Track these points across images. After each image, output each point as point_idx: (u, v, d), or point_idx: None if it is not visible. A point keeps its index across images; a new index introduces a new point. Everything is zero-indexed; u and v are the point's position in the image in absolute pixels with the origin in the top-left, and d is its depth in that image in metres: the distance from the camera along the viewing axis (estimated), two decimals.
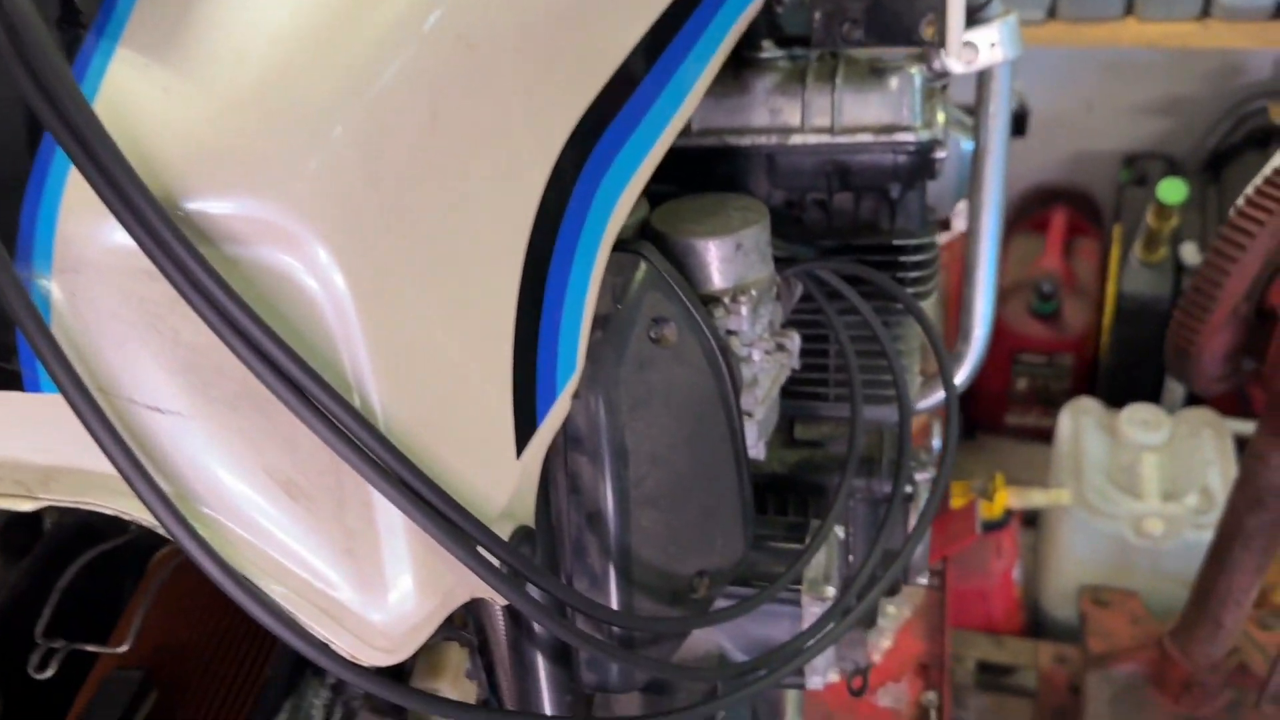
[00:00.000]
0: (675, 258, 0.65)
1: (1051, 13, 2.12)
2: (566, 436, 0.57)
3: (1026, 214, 2.62)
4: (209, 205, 0.37)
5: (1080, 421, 2.14)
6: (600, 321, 0.57)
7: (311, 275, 0.39)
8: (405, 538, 0.43)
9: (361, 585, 0.42)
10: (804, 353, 0.82)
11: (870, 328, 0.79)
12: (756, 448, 0.71)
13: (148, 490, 0.37)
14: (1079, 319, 2.44)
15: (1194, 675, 1.73)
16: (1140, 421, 2.09)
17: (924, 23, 0.68)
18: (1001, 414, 2.54)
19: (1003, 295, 2.49)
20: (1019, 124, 2.37)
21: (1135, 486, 2.03)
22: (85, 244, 0.37)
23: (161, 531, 0.38)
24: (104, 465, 0.39)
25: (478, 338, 0.47)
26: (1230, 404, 2.16)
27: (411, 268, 0.43)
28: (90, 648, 0.52)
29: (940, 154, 0.74)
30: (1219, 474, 2.00)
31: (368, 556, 0.42)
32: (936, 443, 1.72)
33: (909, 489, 0.84)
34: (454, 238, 0.45)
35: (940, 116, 0.75)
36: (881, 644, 1.51)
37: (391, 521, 0.42)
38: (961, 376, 0.97)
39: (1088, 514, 2.00)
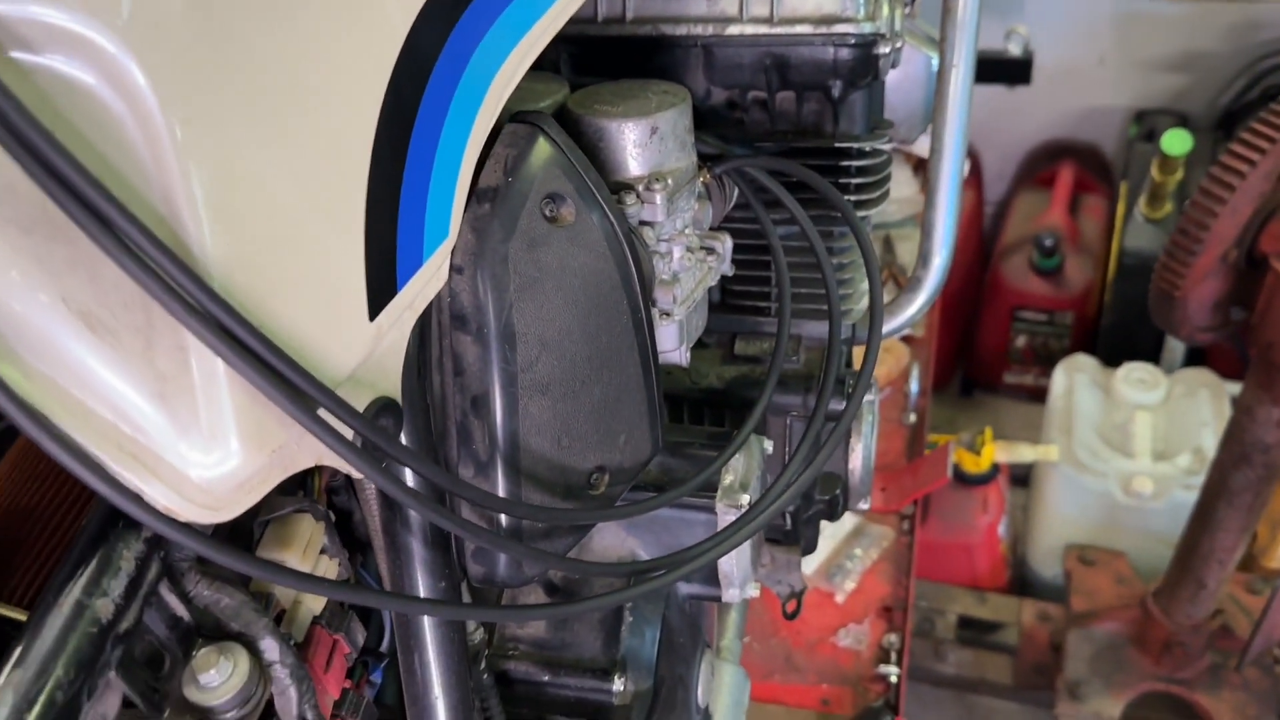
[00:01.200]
0: (588, 140, 0.62)
1: None
2: (451, 315, 0.55)
3: (1033, 170, 2.56)
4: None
5: (1074, 378, 2.10)
6: (488, 194, 0.54)
7: (118, 94, 0.37)
8: (226, 385, 0.40)
9: (175, 433, 0.39)
10: (745, 264, 0.79)
11: (807, 237, 0.75)
12: (679, 352, 0.68)
13: None
14: (1081, 276, 2.38)
15: (1175, 636, 1.70)
16: (1136, 380, 2.04)
17: None
18: (1000, 372, 2.50)
19: (1005, 251, 2.44)
20: (1023, 70, 2.31)
21: (1127, 445, 1.99)
22: None
23: None
24: None
25: (321, 184, 0.44)
26: (1232, 365, 2.11)
27: (239, 97, 0.40)
28: None
29: (883, 49, 0.70)
30: (1214, 435, 1.96)
31: (182, 402, 0.39)
32: (915, 386, 1.69)
33: (841, 406, 0.81)
34: (294, 69, 0.42)
35: (885, 10, 0.71)
36: (846, 585, 1.48)
37: (209, 367, 0.39)
38: (917, 305, 0.93)
39: (1076, 471, 1.96)
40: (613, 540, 0.70)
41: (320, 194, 0.43)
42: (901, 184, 2.11)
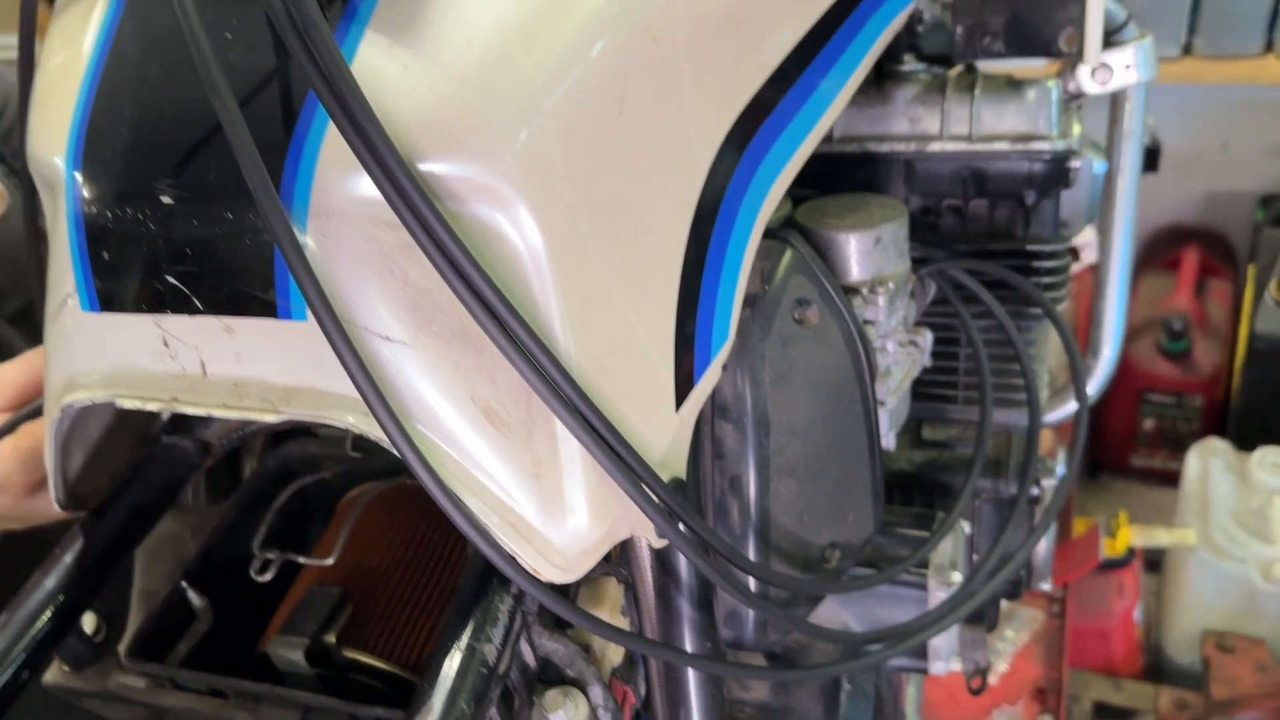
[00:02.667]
0: (818, 249, 0.70)
1: (1187, 49, 2.10)
2: (714, 405, 0.62)
3: (1158, 253, 2.58)
4: (437, 166, 0.44)
5: (1208, 462, 2.09)
6: (749, 300, 0.62)
7: (516, 231, 0.46)
8: (582, 468, 0.48)
9: (544, 506, 0.48)
10: (934, 355, 0.85)
11: (1002, 331, 0.82)
12: (888, 437, 0.75)
13: (380, 406, 0.43)
14: (1209, 359, 2.38)
15: None
16: (1271, 465, 2.03)
17: (1063, 36, 0.71)
18: (1128, 455, 2.49)
19: (1132, 333, 2.45)
20: (1151, 159, 2.33)
21: (1264, 530, 1.98)
22: (337, 194, 0.44)
23: (385, 444, 0.44)
24: (339, 386, 0.45)
25: (647, 298, 0.52)
26: None
27: (594, 230, 0.49)
28: (301, 559, 0.58)
29: (1075, 163, 0.77)
30: None
31: (551, 481, 0.48)
32: (1061, 468, 1.72)
33: (1034, 492, 0.86)
34: (631, 208, 0.51)
35: (1075, 128, 0.78)
36: (998, 667, 1.50)
37: (572, 452, 0.48)
38: (1089, 393, 0.99)
39: (1214, 556, 1.95)
40: (827, 611, 0.76)
41: (645, 306, 0.52)
42: None
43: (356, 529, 0.61)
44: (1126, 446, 2.49)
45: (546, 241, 0.46)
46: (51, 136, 0.48)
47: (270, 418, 0.46)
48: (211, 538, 0.62)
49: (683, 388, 0.55)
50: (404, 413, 0.46)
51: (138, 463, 0.58)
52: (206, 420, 0.59)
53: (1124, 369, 2.46)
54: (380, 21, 0.44)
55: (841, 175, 0.82)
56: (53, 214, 0.50)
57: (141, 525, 0.56)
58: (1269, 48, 2.07)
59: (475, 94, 0.44)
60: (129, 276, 0.46)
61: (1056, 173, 0.78)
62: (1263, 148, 2.46)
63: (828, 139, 0.82)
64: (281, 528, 0.63)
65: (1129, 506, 2.36)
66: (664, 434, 0.53)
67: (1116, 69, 0.84)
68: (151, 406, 0.47)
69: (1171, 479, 2.33)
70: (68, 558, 0.53)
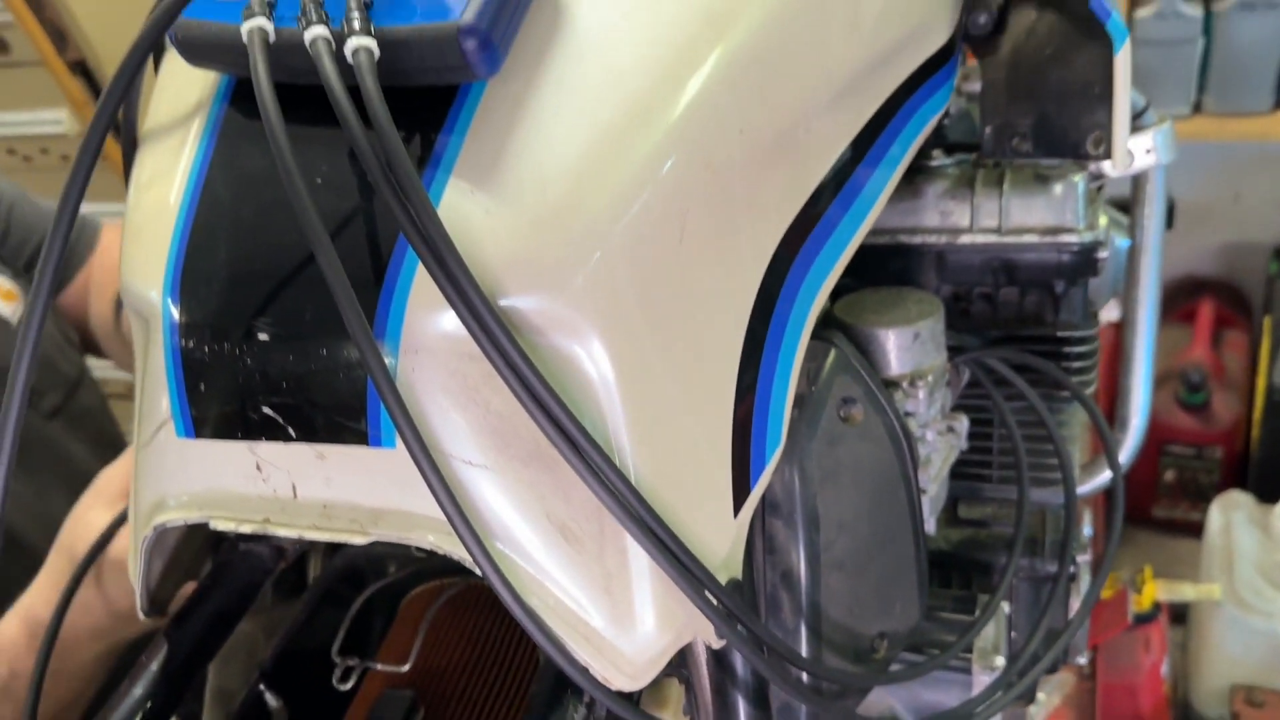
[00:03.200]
0: (859, 345, 0.73)
1: (1197, 107, 2.13)
2: (765, 502, 0.65)
3: (1174, 305, 2.60)
4: (517, 302, 0.47)
5: (1231, 516, 2.10)
6: (797, 401, 0.64)
7: (588, 358, 0.48)
8: (650, 579, 0.50)
9: (615, 618, 0.50)
10: (969, 435, 0.88)
11: (1034, 412, 0.84)
12: (929, 522, 0.77)
13: (465, 529, 0.46)
14: (1228, 411, 2.40)
15: None
16: None
17: (1090, 139, 0.74)
18: (1149, 506, 2.50)
19: None
20: (1168, 216, 2.38)
21: None
22: (425, 331, 0.46)
23: (468, 564, 0.47)
24: (424, 508, 0.48)
25: (706, 410, 0.55)
26: None
27: (658, 352, 0.51)
28: (380, 666, 0.61)
29: (1102, 254, 0.80)
30: None
31: (622, 593, 0.50)
32: (1087, 529, 1.73)
33: (1071, 569, 0.88)
34: (691, 327, 0.54)
35: (1102, 219, 0.81)
36: None
37: (641, 565, 0.50)
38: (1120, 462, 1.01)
39: (1240, 610, 1.95)
40: (874, 697, 0.78)
41: (705, 419, 0.54)
42: None
43: (429, 633, 0.63)
44: (1147, 498, 2.49)
45: (615, 367, 0.49)
46: (148, 272, 0.51)
47: (359, 539, 0.48)
48: (285, 639, 0.65)
49: (739, 493, 0.57)
50: (485, 532, 0.48)
51: (215, 569, 0.60)
52: None
53: None
54: (464, 167, 0.48)
55: (876, 265, 0.85)
56: (145, 344, 0.53)
57: (222, 630, 0.58)
58: (1278, 105, 2.11)
59: (551, 234, 0.47)
60: (225, 407, 0.49)
61: (1084, 263, 0.81)
62: (1274, 199, 2.49)
63: None
64: (348, 628, 0.65)
65: (1151, 557, 2.36)
66: (724, 539, 0.56)
67: (1137, 153, 0.87)
68: (245, 528, 0.50)
69: (1193, 529, 2.33)
70: (154, 665, 0.55)
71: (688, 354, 0.53)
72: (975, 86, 0.91)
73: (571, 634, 0.49)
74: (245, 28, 0.47)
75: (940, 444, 0.76)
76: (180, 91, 0.56)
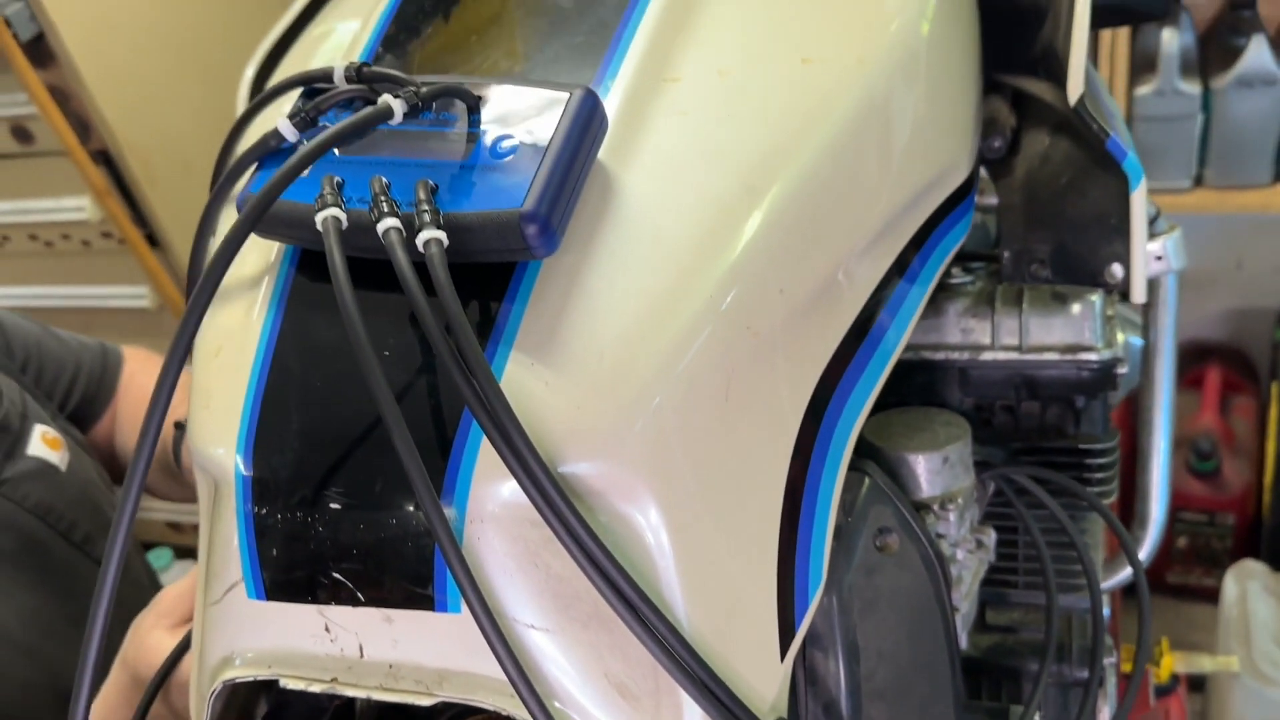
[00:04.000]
0: (889, 469, 0.75)
1: (1198, 181, 2.17)
2: (807, 635, 0.67)
3: (1180, 371, 2.62)
4: (577, 469, 0.49)
5: (1246, 585, 2.11)
6: (834, 533, 0.67)
7: (644, 520, 0.51)
8: None
9: None
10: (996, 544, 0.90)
11: (1057, 521, 0.86)
12: (961, 637, 0.79)
13: (528, 692, 0.48)
14: (1239, 478, 2.41)
15: None
16: None
17: (1108, 269, 0.77)
18: (1163, 572, 2.51)
19: None
20: None
21: None
22: (491, 500, 0.49)
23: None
24: (486, 669, 0.50)
25: (752, 559, 0.57)
26: None
27: (707, 508, 0.54)
28: None
29: (1121, 370, 0.83)
30: None
31: None
32: (1106, 611, 1.74)
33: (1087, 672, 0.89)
34: (736, 480, 0.56)
35: (1120, 336, 0.84)
36: None
37: (695, 717, 0.52)
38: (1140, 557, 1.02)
39: (1258, 682, 1.96)
40: None
41: (751, 567, 0.56)
42: None
43: None
44: (1161, 564, 2.50)
45: (668, 527, 0.51)
46: (220, 437, 0.53)
47: (424, 700, 0.50)
48: None
49: (785, 635, 0.59)
50: (546, 693, 0.50)
51: (272, 711, 0.62)
52: None
53: None
54: (524, 341, 0.50)
55: (900, 380, 0.88)
56: (212, 504, 0.55)
57: None
58: (1278, 177, 2.15)
59: (607, 403, 0.50)
60: (296, 571, 0.51)
61: (1104, 379, 0.83)
62: (1277, 266, 2.52)
63: None
64: None
65: (1167, 624, 2.36)
66: (772, 684, 0.57)
67: (1150, 261, 0.90)
68: (314, 687, 0.52)
69: (1208, 595, 2.34)
70: None
71: (733, 506, 0.56)
72: (990, 200, 0.94)
73: None
74: (320, 217, 0.49)
75: (971, 560, 0.78)
76: (244, 257, 0.59)
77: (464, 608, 0.49)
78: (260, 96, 0.62)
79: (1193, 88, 2.06)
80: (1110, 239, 0.76)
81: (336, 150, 0.54)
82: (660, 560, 0.51)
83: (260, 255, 0.58)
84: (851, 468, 0.70)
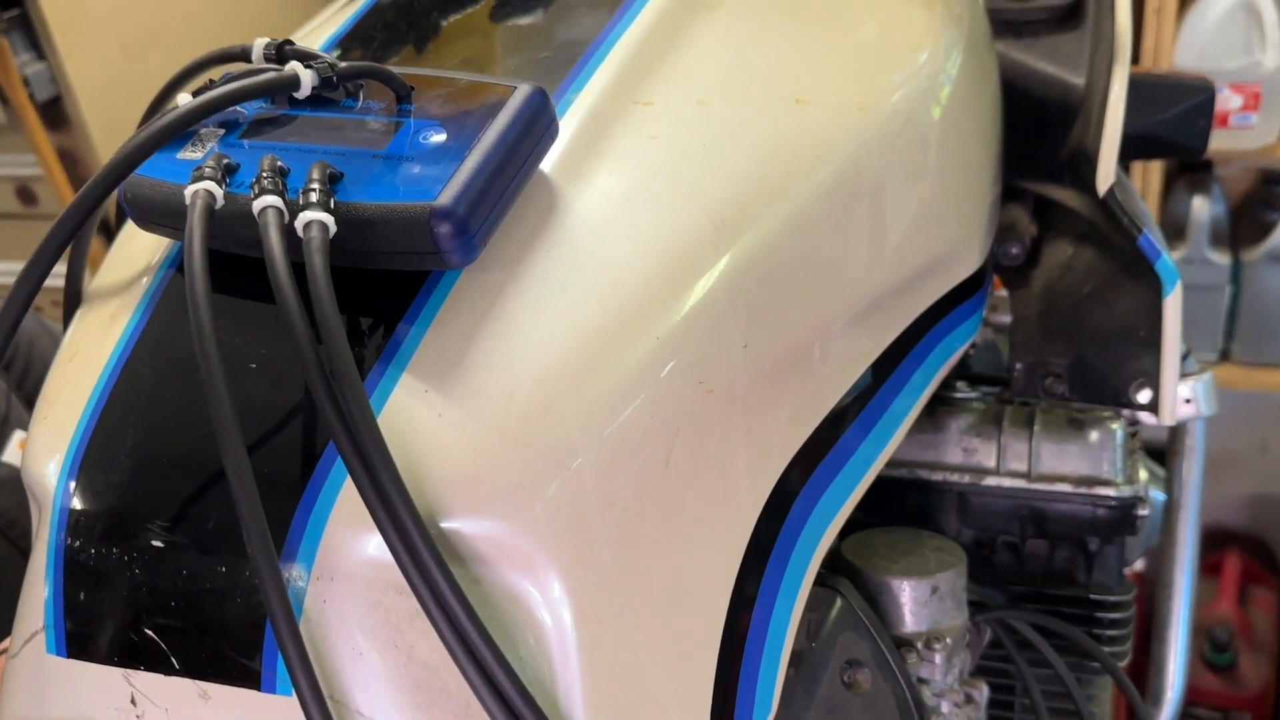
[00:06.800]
0: (868, 595, 0.64)
1: (1225, 355, 2.10)
2: None
3: (1199, 557, 2.49)
4: (462, 525, 0.39)
5: None
6: (793, 658, 0.56)
7: (544, 600, 0.40)
8: None
9: None
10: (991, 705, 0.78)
11: (1061, 683, 0.74)
12: None
13: None
14: (1256, 674, 2.24)
15: None
16: None
17: (1134, 386, 0.68)
18: None
19: None
20: None
21: None
22: (345, 554, 0.39)
23: None
24: None
25: (682, 672, 0.46)
26: None
27: (629, 599, 0.43)
28: None
29: (1143, 511, 0.72)
30: None
31: None
32: None
33: None
34: (670, 570, 0.46)
35: (1142, 474, 0.74)
36: None
37: None
38: None
39: None
40: None
41: (679, 682, 0.46)
42: None
43: None
44: None
45: (575, 613, 0.41)
46: (49, 449, 0.44)
47: None
48: None
49: None
50: None
51: None
52: None
53: None
54: (420, 364, 0.41)
55: (889, 500, 0.78)
56: (36, 532, 0.45)
57: None
58: None
59: (512, 449, 0.40)
60: (104, 623, 0.41)
61: (1122, 520, 0.73)
62: None
63: None
64: None
65: None
66: None
67: (1177, 403, 0.81)
68: None
69: None
70: None
71: (664, 600, 0.45)
72: (1004, 319, 0.85)
73: None
74: (190, 189, 0.41)
75: (957, 717, 0.66)
76: (131, 256, 0.51)
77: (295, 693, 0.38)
78: (170, 81, 0.55)
79: (1222, 258, 2.01)
80: (1137, 354, 0.67)
81: (244, 139, 0.46)
82: (559, 655, 0.41)
83: (146, 256, 0.50)
84: (821, 584, 0.59)
